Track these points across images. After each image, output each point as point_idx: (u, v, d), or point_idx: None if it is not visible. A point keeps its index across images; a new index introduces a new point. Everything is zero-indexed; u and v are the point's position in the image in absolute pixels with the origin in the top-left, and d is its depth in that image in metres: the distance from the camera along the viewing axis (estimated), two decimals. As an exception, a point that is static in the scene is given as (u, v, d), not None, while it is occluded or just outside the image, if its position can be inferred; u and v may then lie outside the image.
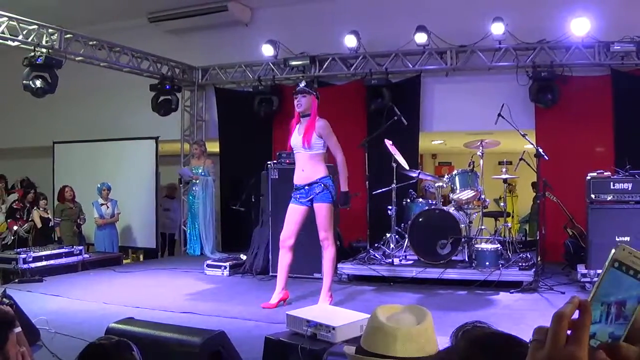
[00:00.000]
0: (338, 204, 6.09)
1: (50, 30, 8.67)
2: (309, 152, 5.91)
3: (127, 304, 6.22)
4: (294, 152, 6.06)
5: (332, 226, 6.03)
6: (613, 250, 0.86)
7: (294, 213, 6.02)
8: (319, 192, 5.88)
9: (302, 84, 6.13)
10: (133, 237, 11.39)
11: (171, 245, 12.21)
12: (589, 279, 6.56)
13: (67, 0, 10.58)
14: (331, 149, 5.95)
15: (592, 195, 6.76)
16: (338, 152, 5.95)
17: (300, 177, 5.99)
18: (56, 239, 10.10)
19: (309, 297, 6.45)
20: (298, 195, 5.99)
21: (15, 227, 9.52)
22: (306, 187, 5.93)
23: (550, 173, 7.88)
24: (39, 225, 10.16)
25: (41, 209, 10.28)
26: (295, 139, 5.96)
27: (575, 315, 0.84)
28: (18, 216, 9.88)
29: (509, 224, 7.86)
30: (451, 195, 7.77)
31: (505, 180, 7.65)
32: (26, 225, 9.93)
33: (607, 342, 0.84)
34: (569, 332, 0.83)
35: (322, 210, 5.93)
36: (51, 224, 10.22)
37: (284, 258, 6.12)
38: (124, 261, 10.25)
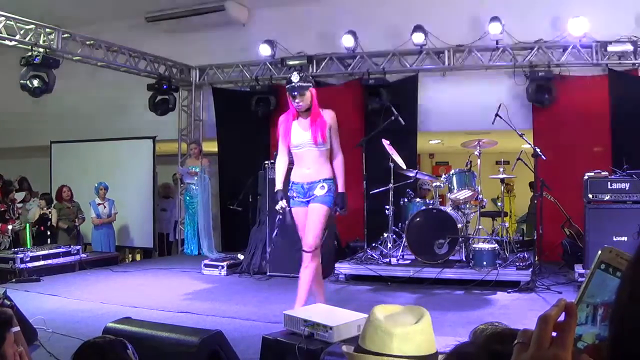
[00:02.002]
0: (336, 208, 5.34)
1: (47, 29, 8.65)
2: (320, 149, 5.20)
3: (124, 304, 6.22)
4: (297, 149, 5.28)
5: (322, 234, 5.29)
6: (599, 252, 0.86)
7: (303, 217, 5.27)
8: (321, 194, 5.20)
9: (296, 79, 5.18)
10: (130, 236, 11.38)
11: (168, 245, 12.20)
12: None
13: (65, 0, 10.57)
14: (334, 146, 5.28)
15: (590, 195, 6.77)
16: (339, 150, 5.30)
17: (303, 175, 5.26)
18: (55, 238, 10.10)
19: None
20: (295, 194, 5.29)
21: (10, 227, 9.48)
22: (305, 186, 5.24)
23: (548, 173, 7.88)
24: (35, 217, 10.16)
25: (42, 207, 10.27)
26: (301, 135, 5.23)
27: (562, 317, 0.84)
28: (8, 217, 9.82)
29: (507, 224, 7.85)
30: (449, 195, 7.78)
31: (502, 180, 7.66)
32: (17, 222, 9.88)
33: (595, 344, 0.84)
34: (554, 334, 0.83)
35: (319, 212, 5.20)
36: (50, 222, 10.20)
37: (310, 273, 5.23)
38: (125, 260, 10.24)
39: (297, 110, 5.24)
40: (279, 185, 5.32)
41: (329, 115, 5.28)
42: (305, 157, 5.25)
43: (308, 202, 5.25)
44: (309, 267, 5.17)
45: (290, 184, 5.36)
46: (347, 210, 5.38)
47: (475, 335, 1.18)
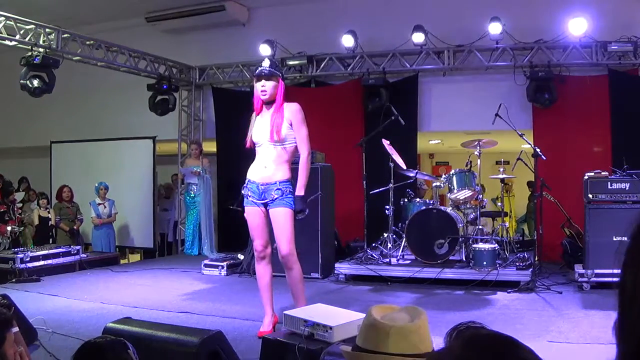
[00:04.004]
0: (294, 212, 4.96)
1: (47, 30, 8.65)
2: (277, 146, 4.90)
3: (124, 304, 6.22)
4: (257, 146, 5.01)
5: (294, 238, 4.99)
6: None
7: (255, 216, 5.04)
8: (277, 197, 4.90)
9: (266, 64, 4.93)
10: (130, 237, 11.38)
11: (167, 245, 12.20)
12: (586, 279, 6.56)
13: (65, 0, 10.58)
14: (297, 141, 4.93)
15: (590, 195, 6.77)
16: (305, 147, 4.93)
17: (259, 172, 4.98)
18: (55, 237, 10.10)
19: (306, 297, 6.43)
20: (250, 194, 5.02)
21: (9, 228, 9.47)
22: (261, 187, 4.95)
23: (548, 173, 7.89)
24: (36, 222, 10.16)
25: (42, 207, 10.28)
26: (260, 131, 4.96)
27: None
28: (7, 218, 9.82)
29: (507, 224, 7.85)
30: (449, 195, 7.78)
31: (502, 180, 7.66)
32: (16, 224, 9.89)
33: None
34: None
35: (283, 217, 4.90)
36: (50, 222, 10.22)
37: (266, 274, 5.12)
38: (121, 261, 10.22)
39: (262, 102, 4.98)
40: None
41: (289, 109, 4.93)
42: (264, 154, 4.98)
43: (263, 204, 5.00)
44: (291, 272, 5.01)
45: (246, 182, 5.10)
46: (304, 214, 5.01)
47: (451, 338, 1.13)
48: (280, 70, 5.11)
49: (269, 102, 4.97)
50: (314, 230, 7.64)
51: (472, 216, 7.78)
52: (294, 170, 5.04)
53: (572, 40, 8.72)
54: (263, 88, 4.90)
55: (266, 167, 4.95)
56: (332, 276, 7.77)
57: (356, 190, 8.73)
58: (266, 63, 4.94)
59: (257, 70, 4.96)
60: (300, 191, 4.91)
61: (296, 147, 4.98)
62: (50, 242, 9.86)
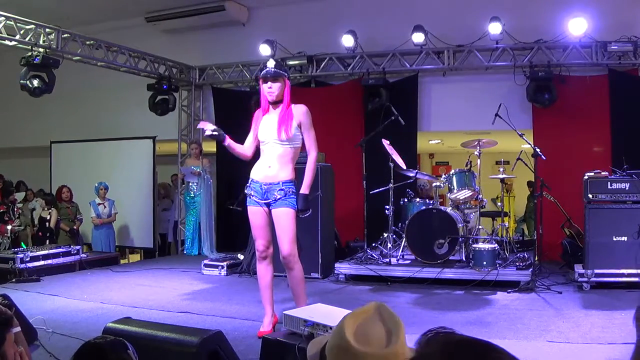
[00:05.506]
0: (297, 211, 4.98)
1: (47, 29, 8.66)
2: (284, 146, 4.92)
3: (124, 304, 6.22)
4: (263, 144, 5.00)
5: (296, 238, 5.00)
6: None
7: (258, 216, 5.03)
8: (280, 198, 4.91)
9: (272, 65, 4.97)
10: (130, 237, 11.38)
11: (169, 245, 12.19)
12: (586, 279, 6.56)
13: (65, 0, 10.58)
14: (307, 143, 5.00)
15: (590, 195, 6.77)
16: (313, 148, 5.00)
17: (263, 172, 4.98)
18: (55, 237, 10.09)
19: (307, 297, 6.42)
20: (253, 193, 5.01)
21: (9, 227, 9.47)
22: (264, 186, 4.95)
23: (548, 173, 7.88)
24: (39, 211, 10.14)
25: (41, 208, 10.27)
26: (267, 129, 4.95)
27: None
28: (7, 218, 9.81)
29: (507, 224, 7.85)
30: (449, 195, 7.78)
31: (502, 180, 7.66)
32: (17, 221, 9.88)
33: None
34: None
35: (285, 217, 4.92)
36: (48, 224, 10.20)
37: (267, 274, 5.12)
38: (121, 261, 10.22)
39: (268, 102, 5.01)
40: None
41: (298, 110, 4.97)
42: (269, 153, 4.98)
43: (266, 204, 4.98)
44: (292, 272, 5.00)
45: (249, 181, 5.08)
46: (307, 213, 5.03)
47: (422, 346, 1.08)
48: (286, 70, 5.16)
49: (276, 102, 5.00)
50: (314, 230, 7.64)
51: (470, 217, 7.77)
52: (298, 171, 5.06)
53: (572, 40, 8.72)
54: (270, 89, 4.95)
55: (270, 167, 4.95)
56: (332, 276, 7.76)
57: (356, 190, 8.73)
58: (271, 64, 4.99)
59: (263, 72, 5.00)
60: (305, 190, 4.96)
61: (300, 148, 5.03)
62: (48, 242, 9.84)
